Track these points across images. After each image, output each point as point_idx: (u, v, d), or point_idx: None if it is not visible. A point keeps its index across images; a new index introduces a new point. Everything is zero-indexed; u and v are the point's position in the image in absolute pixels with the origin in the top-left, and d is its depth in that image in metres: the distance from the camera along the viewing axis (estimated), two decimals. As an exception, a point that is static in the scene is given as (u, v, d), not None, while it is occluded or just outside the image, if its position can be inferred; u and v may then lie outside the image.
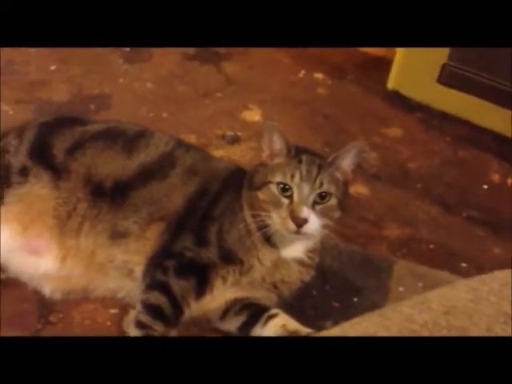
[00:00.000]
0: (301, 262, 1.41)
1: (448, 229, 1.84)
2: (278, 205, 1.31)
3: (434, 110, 2.29)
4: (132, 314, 1.38)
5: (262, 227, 1.33)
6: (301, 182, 1.31)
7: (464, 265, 1.73)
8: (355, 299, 1.55)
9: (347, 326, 1.10)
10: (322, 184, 1.32)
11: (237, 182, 1.44)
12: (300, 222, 1.28)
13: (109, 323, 1.43)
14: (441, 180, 2.02)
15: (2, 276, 1.47)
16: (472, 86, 2.21)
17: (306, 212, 1.29)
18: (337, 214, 1.35)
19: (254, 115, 2.19)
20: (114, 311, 1.45)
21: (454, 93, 2.26)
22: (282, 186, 1.31)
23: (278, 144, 1.37)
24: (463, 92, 2.23)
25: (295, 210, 1.29)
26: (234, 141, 2.05)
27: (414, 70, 2.31)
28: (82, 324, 1.42)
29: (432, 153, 2.13)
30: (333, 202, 1.34)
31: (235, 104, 2.21)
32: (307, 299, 1.52)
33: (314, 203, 1.31)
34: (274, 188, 1.32)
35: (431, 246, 1.77)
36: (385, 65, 2.45)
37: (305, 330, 1.32)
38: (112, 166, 1.44)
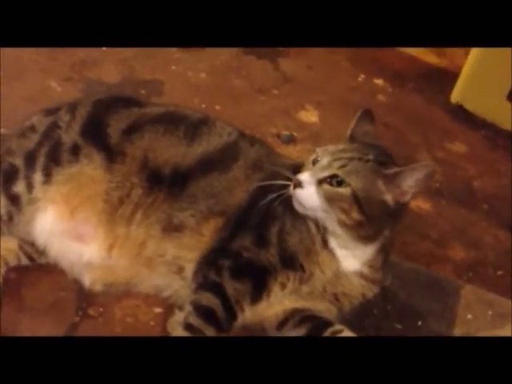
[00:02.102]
0: (362, 276, 1.29)
1: (516, 255, 1.71)
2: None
3: (501, 129, 2.16)
4: (178, 316, 1.27)
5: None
6: (325, 154, 1.24)
7: (534, 296, 1.59)
8: (419, 323, 1.43)
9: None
10: (343, 167, 1.20)
11: None
12: (295, 183, 1.22)
13: (152, 323, 1.32)
14: (508, 202, 1.88)
15: (41, 261, 1.37)
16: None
17: (304, 176, 1.22)
18: (354, 214, 1.21)
19: (310, 116, 2.08)
20: (158, 310, 1.34)
21: (523, 112, 2.13)
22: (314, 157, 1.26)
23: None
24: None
25: (299, 173, 1.23)
26: (290, 141, 1.95)
27: (482, 84, 2.19)
28: (123, 321, 1.31)
29: (498, 173, 2.01)
30: (346, 191, 1.20)
31: (291, 103, 2.11)
32: (368, 318, 1.41)
33: (325, 180, 1.21)
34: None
35: (499, 273, 1.65)
36: (447, 76, 2.35)
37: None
38: (172, 152, 1.33)
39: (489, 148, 2.10)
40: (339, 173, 1.21)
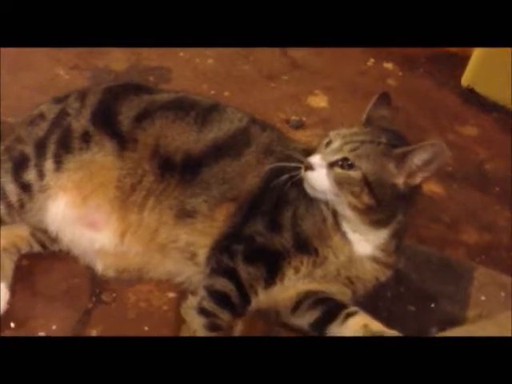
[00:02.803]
0: (374, 260, 1.29)
1: (529, 238, 1.69)
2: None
3: (512, 112, 2.13)
4: (191, 300, 1.26)
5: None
6: (337, 137, 1.23)
7: (547, 278, 1.58)
8: (432, 305, 1.42)
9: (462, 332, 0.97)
10: (354, 150, 1.20)
11: None
12: (306, 165, 1.22)
13: (165, 307, 1.32)
14: (521, 185, 1.87)
15: (54, 248, 1.37)
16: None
17: (315, 159, 1.22)
18: (365, 198, 1.20)
19: (319, 101, 2.06)
20: (171, 295, 1.34)
21: (535, 94, 2.10)
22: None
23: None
24: (546, 94, 2.08)
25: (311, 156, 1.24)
26: (299, 126, 1.93)
27: (493, 67, 2.15)
28: (136, 306, 1.31)
29: (510, 156, 1.97)
30: (356, 175, 1.19)
31: (300, 88, 2.09)
32: (381, 301, 1.40)
33: (336, 163, 1.20)
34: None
35: (512, 255, 1.63)
36: (458, 60, 2.31)
37: (390, 332, 1.19)
38: (183, 138, 1.33)
39: (500, 131, 2.07)
40: (350, 156, 1.20)
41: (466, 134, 2.03)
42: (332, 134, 1.27)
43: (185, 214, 1.30)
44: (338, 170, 1.21)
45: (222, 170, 1.31)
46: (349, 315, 1.24)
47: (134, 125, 1.34)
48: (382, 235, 1.27)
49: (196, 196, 1.30)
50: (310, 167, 1.22)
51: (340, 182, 1.21)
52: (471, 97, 2.19)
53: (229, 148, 1.34)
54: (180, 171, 1.31)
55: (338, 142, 1.23)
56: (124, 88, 1.44)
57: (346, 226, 1.26)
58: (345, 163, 1.20)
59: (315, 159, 1.22)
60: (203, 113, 1.37)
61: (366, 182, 1.20)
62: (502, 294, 1.46)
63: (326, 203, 1.25)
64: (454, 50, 2.40)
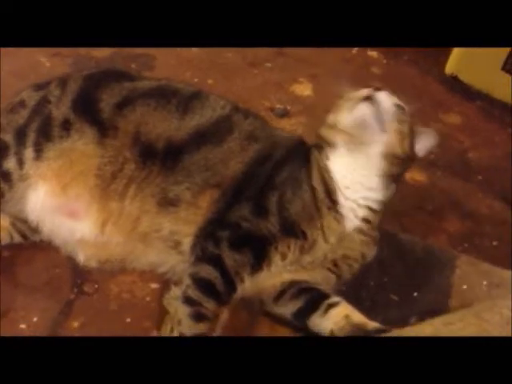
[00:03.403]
0: (361, 231, 1.30)
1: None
2: None
3: (495, 100, 2.14)
4: (174, 291, 1.25)
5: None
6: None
7: (530, 265, 1.59)
8: (415, 294, 1.42)
9: (439, 325, 0.96)
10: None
11: (302, 152, 1.34)
12: (371, 94, 1.26)
13: (148, 298, 1.31)
14: (503, 173, 1.87)
15: (35, 238, 1.36)
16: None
17: (381, 93, 1.27)
18: (405, 144, 1.29)
19: (304, 89, 2.05)
20: (154, 286, 1.33)
21: (517, 82, 2.11)
22: None
23: None
24: (529, 82, 2.08)
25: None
26: (284, 114, 1.92)
27: (477, 55, 2.15)
28: (119, 297, 1.30)
29: (493, 144, 1.98)
30: (407, 120, 1.29)
31: (285, 76, 2.08)
32: (364, 290, 1.40)
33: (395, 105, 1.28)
34: None
35: (495, 243, 1.63)
36: (442, 48, 2.30)
37: (372, 324, 1.20)
38: (164, 126, 1.31)
39: (484, 119, 2.08)
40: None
41: (450, 122, 2.04)
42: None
43: (167, 202, 1.28)
44: (395, 108, 1.27)
45: (205, 156, 1.30)
46: (331, 306, 1.24)
47: (114, 112, 1.32)
48: (378, 196, 1.29)
49: (178, 183, 1.29)
50: (375, 98, 1.25)
51: (395, 120, 1.26)
52: (455, 84, 2.20)
53: (211, 135, 1.33)
54: (162, 159, 1.29)
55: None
56: (105, 75, 1.42)
57: (341, 195, 1.27)
58: (399, 108, 1.28)
59: (381, 94, 1.27)
60: (185, 100, 1.36)
61: (411, 132, 1.29)
62: (484, 282, 1.45)
63: (321, 180, 1.27)
64: (438, 37, 2.40)
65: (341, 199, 1.27)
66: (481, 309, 1.02)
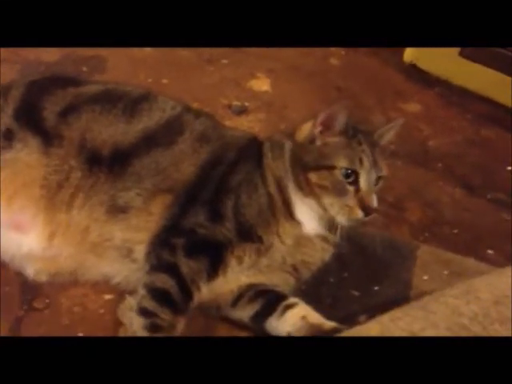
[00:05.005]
0: (324, 239, 1.28)
1: (472, 212, 1.70)
2: (341, 192, 1.21)
3: (454, 86, 2.14)
4: (129, 301, 1.21)
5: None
6: (370, 167, 1.22)
7: (490, 251, 1.59)
8: (376, 288, 1.41)
9: (387, 322, 0.95)
10: (381, 167, 1.25)
11: (255, 151, 1.31)
12: (370, 211, 1.21)
13: (102, 311, 1.27)
14: (463, 160, 1.87)
15: (-18, 254, 1.31)
16: (497, 61, 2.05)
17: (375, 200, 1.22)
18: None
19: (262, 85, 2.03)
20: (107, 297, 1.29)
21: (476, 67, 2.10)
22: (347, 171, 1.20)
23: (340, 123, 1.24)
24: (486, 67, 2.08)
25: (366, 200, 1.21)
26: (241, 111, 1.90)
27: (434, 41, 2.14)
28: (70, 311, 1.26)
29: (453, 131, 1.98)
30: (381, 184, 1.26)
31: (242, 72, 2.05)
32: (324, 287, 1.38)
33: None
34: (338, 174, 1.21)
35: (455, 231, 1.63)
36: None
37: (328, 324, 1.18)
38: (111, 131, 1.28)
39: (443, 106, 2.07)
40: (382, 173, 1.27)
41: (410, 111, 2.03)
42: (352, 164, 1.22)
43: (117, 210, 1.25)
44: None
45: (154, 160, 1.27)
46: (288, 307, 1.22)
47: (59, 120, 1.28)
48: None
49: (128, 189, 1.25)
50: (374, 210, 1.23)
51: None
52: (414, 72, 2.19)
53: (160, 137, 1.30)
54: (108, 165, 1.26)
55: (372, 170, 1.23)
56: (49, 81, 1.39)
57: (298, 207, 1.25)
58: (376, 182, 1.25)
59: (375, 201, 1.22)
60: (132, 103, 1.32)
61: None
62: (445, 272, 1.45)
63: (277, 187, 1.24)
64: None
65: (299, 210, 1.25)
66: (427, 300, 1.00)
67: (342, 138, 1.24)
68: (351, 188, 1.21)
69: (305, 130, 1.28)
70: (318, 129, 1.25)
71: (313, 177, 1.22)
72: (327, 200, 1.22)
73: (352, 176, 1.21)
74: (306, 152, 1.25)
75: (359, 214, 1.21)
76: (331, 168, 1.21)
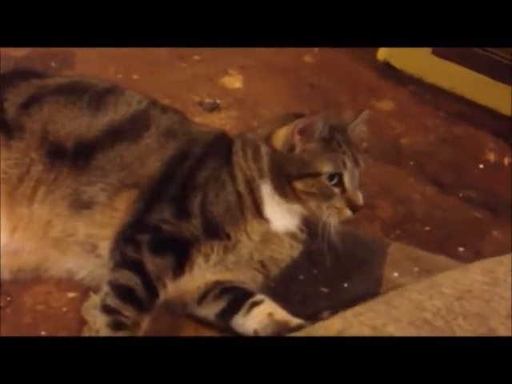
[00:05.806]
0: (293, 236, 1.27)
1: (444, 210, 1.71)
2: (328, 196, 1.20)
3: (427, 84, 2.14)
4: (93, 299, 1.19)
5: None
6: (352, 167, 1.22)
7: (461, 249, 1.60)
8: (345, 285, 1.39)
9: (350, 317, 0.93)
10: (360, 163, 1.26)
11: (223, 147, 1.29)
12: (358, 209, 1.23)
13: (65, 309, 1.24)
14: (435, 158, 1.88)
15: None
16: (469, 59, 2.06)
17: (361, 198, 1.23)
18: None
19: (234, 81, 2.01)
20: (71, 295, 1.26)
21: (448, 65, 2.10)
22: (331, 175, 1.19)
23: (320, 131, 1.22)
24: (459, 65, 2.08)
25: (353, 199, 1.22)
26: (213, 108, 1.88)
27: (407, 40, 2.15)
28: (33, 310, 1.23)
29: (425, 129, 1.99)
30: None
31: (214, 68, 2.03)
32: (293, 284, 1.36)
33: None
34: (324, 180, 1.20)
35: (426, 228, 1.64)
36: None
37: (295, 321, 1.16)
38: (75, 123, 1.25)
39: (416, 104, 2.07)
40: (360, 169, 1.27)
41: (382, 109, 2.03)
42: (337, 168, 1.21)
43: (81, 205, 1.22)
44: None
45: (119, 154, 1.24)
46: (254, 304, 1.20)
47: (20, 112, 1.25)
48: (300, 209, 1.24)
49: (92, 184, 1.22)
50: (361, 207, 1.24)
51: None
52: (387, 70, 2.18)
53: (126, 131, 1.27)
54: (72, 158, 1.23)
55: (355, 170, 1.24)
56: (12, 74, 1.36)
57: (269, 207, 1.23)
58: None
59: (361, 198, 1.23)
60: (97, 96, 1.30)
61: None
62: (416, 268, 1.44)
63: (247, 187, 1.22)
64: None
65: (268, 209, 1.24)
66: (392, 295, 1.00)
67: (321, 143, 1.22)
68: (337, 190, 1.20)
69: (281, 136, 1.23)
70: (297, 137, 1.22)
71: (298, 185, 1.20)
72: (314, 204, 1.21)
73: (336, 177, 1.20)
74: (287, 161, 1.22)
75: (348, 213, 1.22)
76: (316, 175, 1.20)
